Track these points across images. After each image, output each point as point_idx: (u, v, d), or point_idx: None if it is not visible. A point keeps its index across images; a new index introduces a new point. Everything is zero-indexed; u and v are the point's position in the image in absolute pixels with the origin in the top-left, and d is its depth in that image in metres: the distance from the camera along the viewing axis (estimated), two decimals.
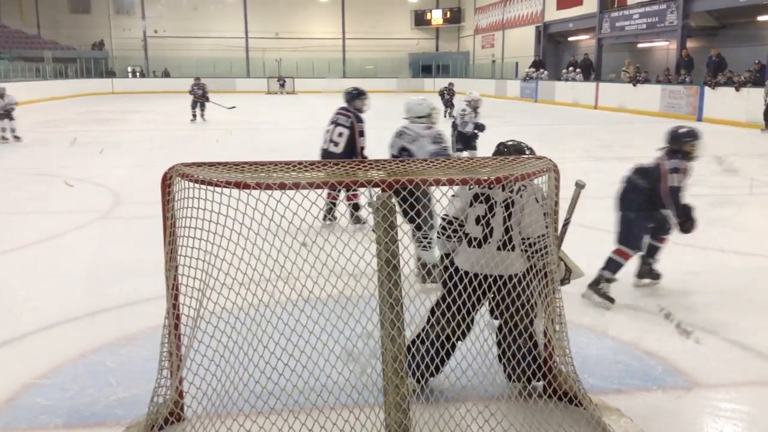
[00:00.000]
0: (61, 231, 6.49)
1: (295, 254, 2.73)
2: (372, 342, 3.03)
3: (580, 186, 3.21)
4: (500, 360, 3.15)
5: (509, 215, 3.01)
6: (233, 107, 18.75)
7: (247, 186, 2.48)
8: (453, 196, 3.11)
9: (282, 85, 35.55)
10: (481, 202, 3.05)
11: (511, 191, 3.02)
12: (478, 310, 3.12)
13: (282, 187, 2.47)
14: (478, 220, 3.05)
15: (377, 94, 35.94)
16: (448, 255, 3.16)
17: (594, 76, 26.64)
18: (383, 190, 2.54)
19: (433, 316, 3.10)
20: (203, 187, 2.64)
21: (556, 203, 3.03)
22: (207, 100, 18.40)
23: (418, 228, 4.33)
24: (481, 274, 3.01)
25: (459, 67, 40.78)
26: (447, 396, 3.05)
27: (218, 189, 2.61)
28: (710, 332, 4.01)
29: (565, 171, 3.29)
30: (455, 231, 3.08)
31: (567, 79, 27.24)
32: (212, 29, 40.97)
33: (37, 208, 7.56)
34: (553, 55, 32.25)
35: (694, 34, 22.18)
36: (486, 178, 2.62)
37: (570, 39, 31.79)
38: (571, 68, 27.59)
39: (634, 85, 22.27)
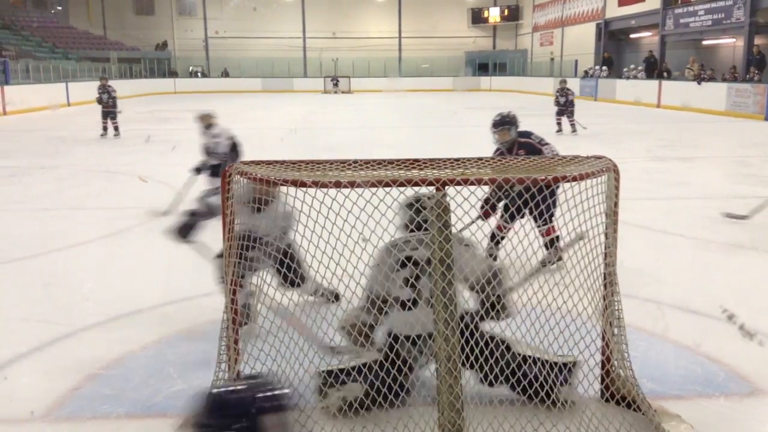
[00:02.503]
0: (125, 227, 6.70)
1: (349, 251, 2.75)
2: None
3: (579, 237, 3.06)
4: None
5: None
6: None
7: (304, 184, 2.52)
8: (375, 266, 3.04)
9: (336, 84, 35.75)
10: (405, 265, 2.99)
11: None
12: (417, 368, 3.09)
13: (337, 185, 2.50)
14: (406, 282, 3.00)
15: (433, 93, 35.89)
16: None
17: (657, 73, 25.98)
18: (438, 189, 2.54)
19: (366, 381, 3.00)
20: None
21: (616, 204, 2.96)
22: (114, 107, 15.06)
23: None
24: (416, 334, 2.99)
25: (516, 66, 40.33)
26: (501, 397, 3.02)
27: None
28: None
29: (626, 171, 3.22)
30: (380, 309, 3.04)
31: (629, 77, 26.63)
32: (271, 29, 41.57)
33: (102, 204, 7.81)
34: (615, 52, 31.56)
35: (763, 31, 21.38)
36: (543, 178, 2.59)
37: (632, 36, 31.07)
38: (633, 66, 26.96)
39: (699, 83, 21.62)
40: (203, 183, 7.01)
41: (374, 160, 2.90)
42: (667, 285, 4.80)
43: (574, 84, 30.57)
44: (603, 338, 3.04)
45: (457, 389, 2.57)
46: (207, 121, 7.38)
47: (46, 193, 8.56)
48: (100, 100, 15.23)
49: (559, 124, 14.96)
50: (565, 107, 15.00)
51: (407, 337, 3.01)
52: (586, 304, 2.90)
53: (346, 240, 2.68)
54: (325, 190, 2.55)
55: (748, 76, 20.26)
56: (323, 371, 3.03)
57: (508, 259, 2.79)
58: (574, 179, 2.64)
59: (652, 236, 6.20)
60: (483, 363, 2.90)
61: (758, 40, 21.30)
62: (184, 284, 4.81)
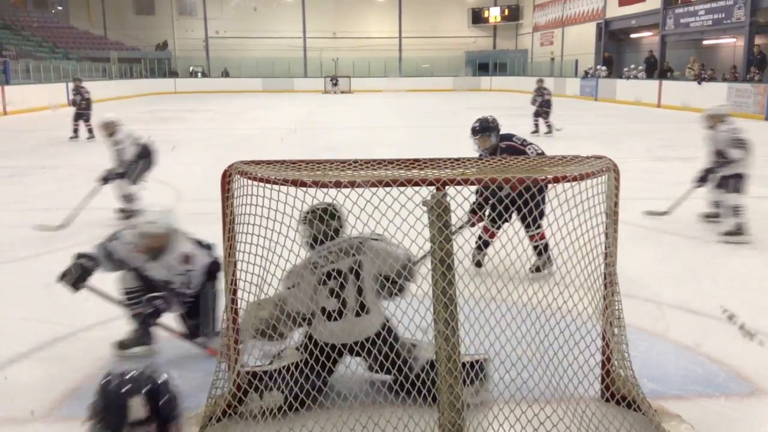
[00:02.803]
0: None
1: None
2: (426, 340, 3.03)
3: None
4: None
5: (361, 280, 3.04)
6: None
7: (303, 184, 2.52)
8: (292, 286, 3.03)
9: (335, 84, 35.69)
10: (330, 277, 3.02)
11: (354, 254, 3.03)
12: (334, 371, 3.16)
13: (338, 185, 2.50)
14: (332, 292, 3.02)
15: (433, 93, 35.86)
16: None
17: (658, 73, 25.96)
18: (438, 189, 2.54)
19: (287, 387, 3.01)
20: (261, 184, 2.69)
21: (616, 204, 2.96)
22: (87, 108, 14.78)
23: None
24: (340, 344, 3.03)
25: (517, 66, 40.31)
26: (503, 396, 3.02)
27: (276, 186, 2.66)
28: None
29: (626, 171, 3.22)
30: (300, 322, 3.06)
31: (629, 77, 26.63)
32: (271, 29, 41.57)
33: (102, 204, 7.81)
34: (615, 52, 31.56)
35: (763, 31, 21.37)
36: (543, 177, 2.59)
37: (632, 36, 31.07)
38: (633, 66, 26.95)
39: (699, 83, 21.61)
40: (111, 193, 6.95)
41: (374, 160, 2.90)
42: (667, 285, 4.80)
43: (574, 84, 30.67)
44: (603, 338, 3.04)
45: (457, 389, 2.57)
46: (109, 130, 7.18)
47: (47, 193, 8.55)
48: (73, 102, 15.04)
49: (536, 124, 14.89)
50: (541, 107, 14.92)
51: (330, 345, 3.04)
52: (586, 303, 2.90)
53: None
54: (325, 190, 2.55)
55: (748, 76, 20.24)
56: (247, 372, 2.99)
57: (491, 264, 2.79)
58: (575, 179, 2.64)
59: (653, 236, 6.20)
60: (370, 348, 2.98)
61: (759, 40, 21.29)
62: None
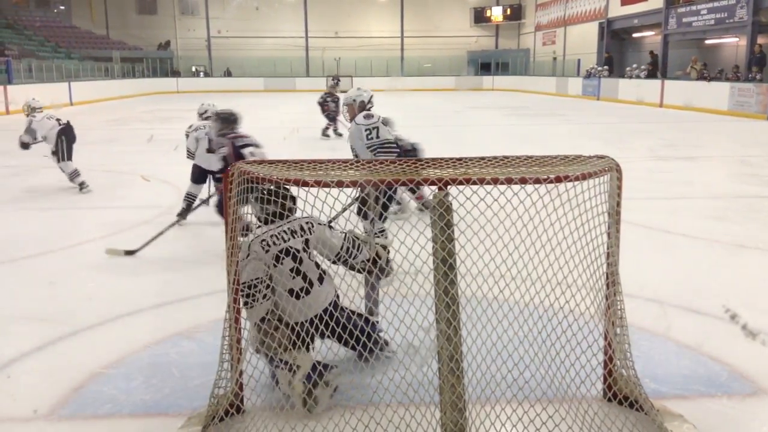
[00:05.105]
0: (127, 226, 6.71)
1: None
2: (428, 340, 3.03)
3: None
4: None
5: (310, 254, 3.22)
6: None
7: (306, 183, 2.52)
8: (245, 258, 3.10)
9: (336, 84, 35.69)
10: (287, 256, 3.15)
11: (303, 233, 3.21)
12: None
13: (340, 185, 2.50)
14: (293, 271, 3.15)
15: (435, 93, 35.82)
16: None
17: (661, 72, 25.94)
18: (440, 189, 2.54)
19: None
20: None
21: (618, 203, 2.96)
22: None
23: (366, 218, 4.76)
24: (311, 316, 3.18)
25: (519, 65, 40.32)
26: (505, 396, 3.02)
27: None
28: None
29: (628, 171, 3.22)
30: (258, 291, 3.10)
31: (631, 77, 26.61)
32: (273, 29, 41.60)
33: (105, 203, 7.83)
34: (617, 51, 31.54)
35: (765, 30, 21.33)
36: (545, 177, 2.59)
37: (634, 35, 31.04)
38: (635, 65, 26.92)
39: (708, 81, 21.52)
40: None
41: (377, 160, 2.90)
42: (669, 285, 4.80)
43: (576, 83, 30.64)
44: (605, 338, 3.03)
45: (459, 389, 2.57)
46: (26, 111, 8.65)
47: (49, 192, 8.56)
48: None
49: (334, 129, 14.80)
50: (335, 111, 14.47)
51: (299, 323, 3.15)
52: (588, 303, 2.90)
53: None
54: (327, 189, 2.55)
55: (750, 75, 20.22)
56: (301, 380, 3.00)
57: (493, 264, 2.80)
58: (577, 179, 2.63)
59: (655, 236, 6.19)
60: (333, 312, 3.18)
61: (761, 39, 21.24)
62: (186, 284, 4.81)
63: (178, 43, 41.95)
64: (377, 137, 4.94)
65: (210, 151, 6.30)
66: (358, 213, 4.85)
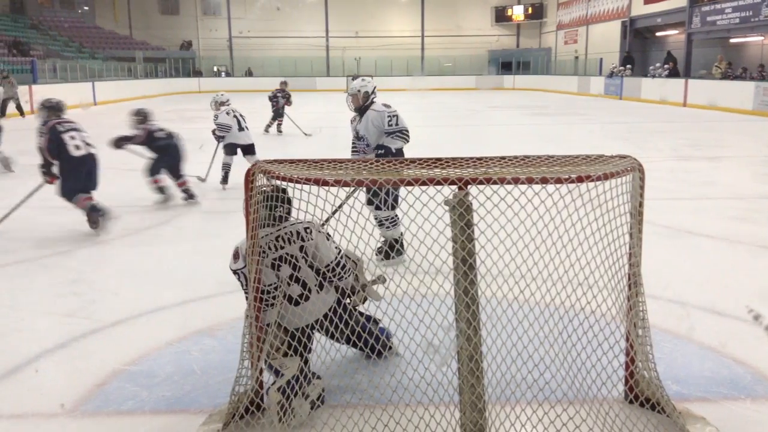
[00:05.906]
0: (151, 224, 6.77)
1: (371, 250, 2.75)
2: (448, 340, 3.03)
3: None
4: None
5: (308, 261, 3.15)
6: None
7: (326, 183, 2.53)
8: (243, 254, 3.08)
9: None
10: (283, 263, 3.11)
11: (299, 239, 3.14)
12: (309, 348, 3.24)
13: (359, 184, 2.50)
14: (291, 278, 3.12)
15: (456, 92, 35.70)
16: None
17: (683, 71, 25.66)
18: (460, 189, 2.54)
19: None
20: (284, 183, 2.70)
21: (641, 203, 2.93)
22: None
23: (378, 209, 4.91)
24: (312, 321, 3.17)
25: (540, 64, 40.09)
26: (525, 397, 3.01)
27: (298, 185, 2.68)
28: None
29: (651, 171, 3.19)
30: (274, 296, 3.11)
31: (654, 76, 26.34)
32: (294, 29, 41.76)
33: (128, 202, 7.90)
34: (640, 50, 31.25)
35: None
36: (567, 177, 2.57)
37: (658, 34, 30.74)
38: (658, 64, 26.65)
39: (734, 78, 21.21)
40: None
41: (396, 159, 2.90)
42: (692, 286, 4.74)
43: (598, 83, 30.40)
44: (627, 339, 3.01)
45: (479, 389, 2.56)
46: None
47: None
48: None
49: (278, 125, 15.36)
50: (283, 108, 15.22)
51: (300, 329, 3.13)
52: (610, 304, 2.88)
53: (357, 241, 2.68)
54: (347, 189, 2.56)
55: None
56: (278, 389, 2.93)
57: (513, 264, 2.78)
58: (599, 179, 2.61)
59: (678, 236, 6.13)
60: (334, 320, 3.17)
61: None
62: (208, 282, 4.85)
63: (200, 44, 42.26)
64: (397, 124, 5.28)
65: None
66: (369, 203, 4.92)
